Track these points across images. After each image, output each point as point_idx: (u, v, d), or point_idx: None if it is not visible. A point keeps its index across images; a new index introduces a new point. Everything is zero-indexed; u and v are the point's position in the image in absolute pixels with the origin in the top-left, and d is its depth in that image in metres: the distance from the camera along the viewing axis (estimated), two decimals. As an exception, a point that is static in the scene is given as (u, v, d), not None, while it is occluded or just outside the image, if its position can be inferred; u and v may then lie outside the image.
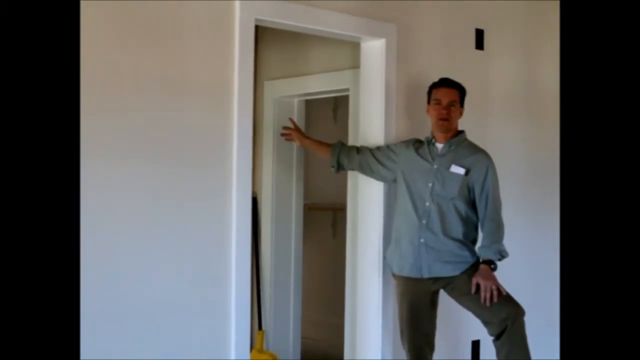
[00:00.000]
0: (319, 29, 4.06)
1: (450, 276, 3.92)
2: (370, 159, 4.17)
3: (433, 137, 4.03)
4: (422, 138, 4.12)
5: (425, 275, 3.92)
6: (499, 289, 3.78)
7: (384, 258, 4.19)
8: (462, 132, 4.05)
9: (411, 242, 3.95)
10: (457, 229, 3.93)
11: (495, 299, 3.77)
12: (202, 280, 3.63)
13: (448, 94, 3.97)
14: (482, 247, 3.93)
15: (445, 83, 4.01)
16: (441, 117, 3.95)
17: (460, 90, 4.02)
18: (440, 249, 3.91)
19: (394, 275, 4.11)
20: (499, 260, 3.89)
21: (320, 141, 4.43)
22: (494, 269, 3.88)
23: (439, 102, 3.96)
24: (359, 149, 4.24)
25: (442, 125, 3.96)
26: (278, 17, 3.86)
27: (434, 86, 4.04)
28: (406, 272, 3.97)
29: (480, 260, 3.91)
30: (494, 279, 3.82)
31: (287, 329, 5.43)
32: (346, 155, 4.24)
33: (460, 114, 4.04)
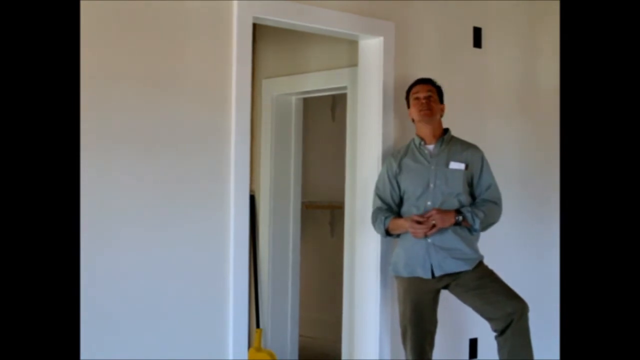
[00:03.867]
0: (316, 27, 4.06)
1: (457, 272, 3.91)
2: (397, 200, 4.07)
3: (421, 139, 4.04)
4: (401, 147, 4.14)
5: (438, 274, 3.91)
6: (433, 228, 3.82)
7: (389, 264, 4.16)
8: (447, 129, 4.09)
9: (418, 243, 3.93)
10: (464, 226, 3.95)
11: (425, 232, 3.82)
12: (200, 279, 3.62)
13: (424, 89, 4.03)
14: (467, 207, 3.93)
15: (419, 81, 4.09)
16: (422, 109, 3.99)
17: (437, 87, 4.07)
18: (449, 247, 3.91)
19: (396, 276, 4.10)
20: (460, 221, 3.88)
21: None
22: (457, 220, 3.88)
23: (417, 98, 4.02)
24: (390, 205, 4.07)
25: (425, 115, 3.98)
26: (276, 15, 3.86)
27: (410, 87, 4.10)
28: (417, 274, 3.94)
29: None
30: (447, 221, 3.84)
31: (284, 327, 5.44)
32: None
33: (442, 110, 4.08)
